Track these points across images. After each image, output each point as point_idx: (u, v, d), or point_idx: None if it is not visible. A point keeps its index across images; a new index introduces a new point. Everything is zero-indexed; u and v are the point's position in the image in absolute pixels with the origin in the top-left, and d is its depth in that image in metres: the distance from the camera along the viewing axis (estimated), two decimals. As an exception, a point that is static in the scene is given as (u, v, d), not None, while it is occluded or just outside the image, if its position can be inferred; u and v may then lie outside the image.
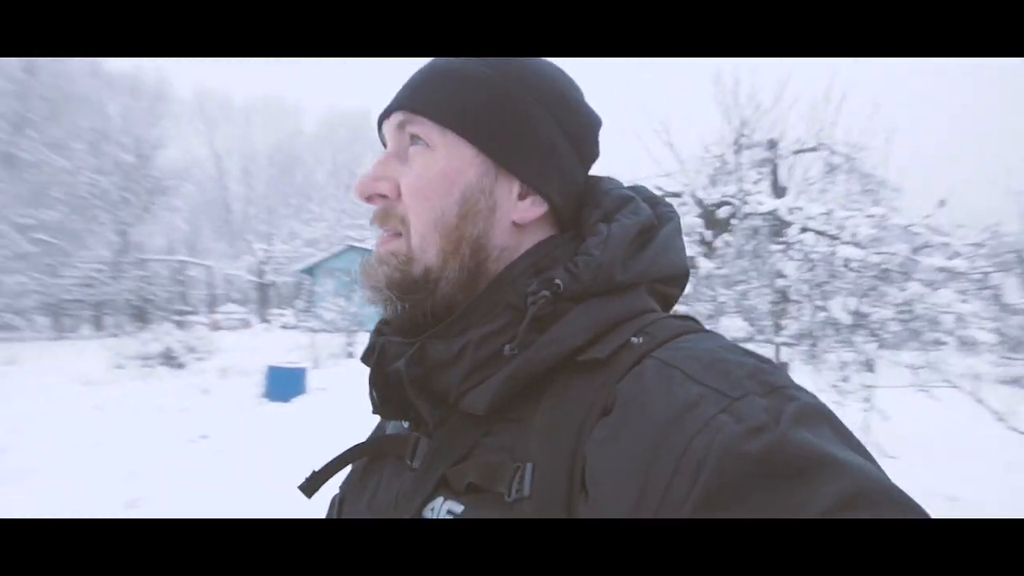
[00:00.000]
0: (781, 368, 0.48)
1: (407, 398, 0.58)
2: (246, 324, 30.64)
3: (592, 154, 0.65)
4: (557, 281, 0.54)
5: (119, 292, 21.60)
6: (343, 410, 6.43)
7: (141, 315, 21.49)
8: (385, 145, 0.63)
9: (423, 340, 0.57)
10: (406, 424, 0.63)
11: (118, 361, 12.88)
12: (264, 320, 33.31)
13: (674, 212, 0.65)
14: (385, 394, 0.61)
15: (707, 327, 0.57)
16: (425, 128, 0.59)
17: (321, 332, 16.14)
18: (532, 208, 0.60)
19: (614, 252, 0.56)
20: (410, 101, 0.59)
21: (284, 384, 9.10)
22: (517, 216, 0.60)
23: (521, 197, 0.60)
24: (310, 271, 26.66)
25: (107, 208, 25.61)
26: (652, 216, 0.61)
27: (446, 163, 0.58)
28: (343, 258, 24.44)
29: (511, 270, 0.58)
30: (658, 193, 0.68)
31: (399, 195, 0.59)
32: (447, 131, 0.58)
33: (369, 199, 0.61)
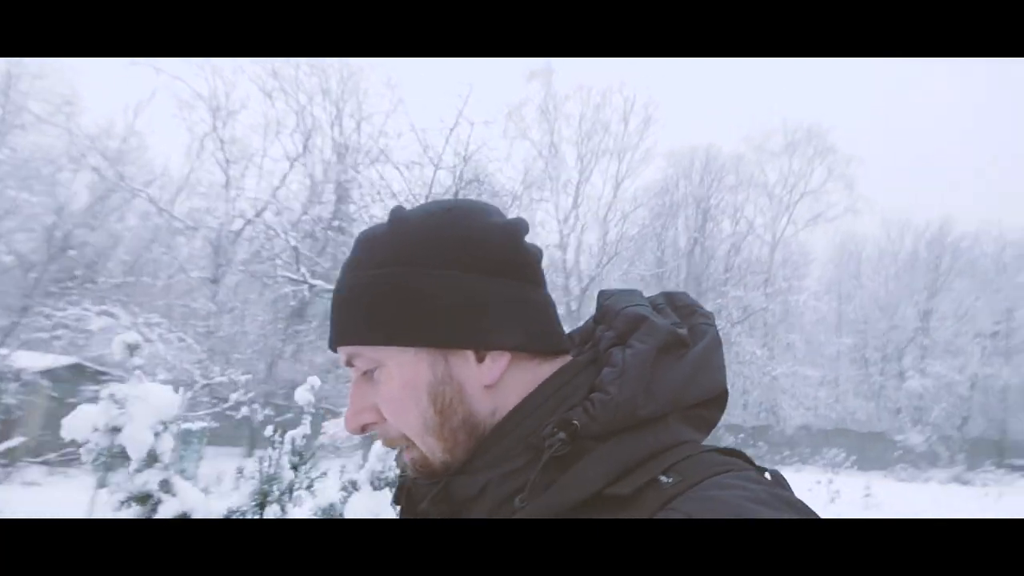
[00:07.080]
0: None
1: None
2: None
3: (526, 260, 0.63)
4: (575, 421, 0.54)
5: None
6: None
7: None
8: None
9: (446, 479, 0.60)
10: None
11: None
12: None
13: (711, 324, 0.64)
14: None
15: (752, 465, 0.55)
16: (366, 355, 0.60)
17: None
18: (495, 365, 0.60)
19: (633, 387, 0.55)
20: (340, 337, 0.62)
21: None
22: (486, 380, 0.60)
23: (480, 360, 0.60)
24: None
25: None
26: (673, 334, 0.59)
27: (400, 376, 0.59)
28: None
29: (526, 404, 0.59)
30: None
31: (383, 418, 0.61)
32: (380, 348, 0.59)
33: (362, 430, 0.62)
